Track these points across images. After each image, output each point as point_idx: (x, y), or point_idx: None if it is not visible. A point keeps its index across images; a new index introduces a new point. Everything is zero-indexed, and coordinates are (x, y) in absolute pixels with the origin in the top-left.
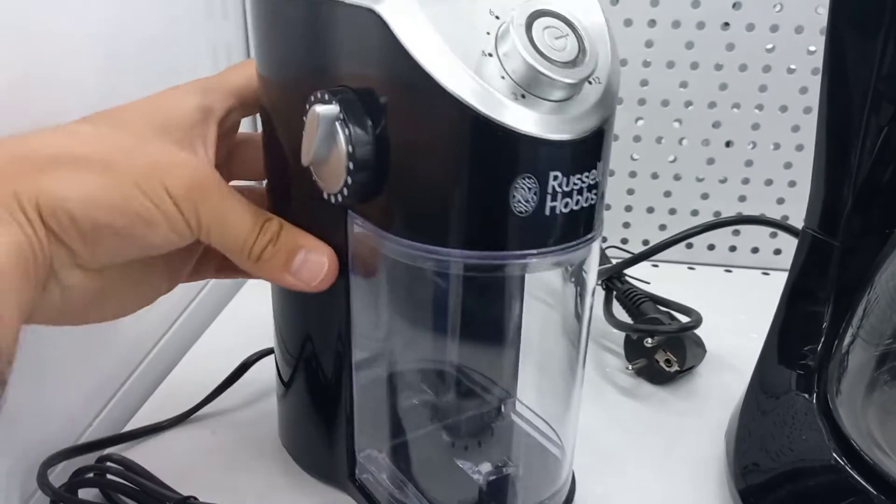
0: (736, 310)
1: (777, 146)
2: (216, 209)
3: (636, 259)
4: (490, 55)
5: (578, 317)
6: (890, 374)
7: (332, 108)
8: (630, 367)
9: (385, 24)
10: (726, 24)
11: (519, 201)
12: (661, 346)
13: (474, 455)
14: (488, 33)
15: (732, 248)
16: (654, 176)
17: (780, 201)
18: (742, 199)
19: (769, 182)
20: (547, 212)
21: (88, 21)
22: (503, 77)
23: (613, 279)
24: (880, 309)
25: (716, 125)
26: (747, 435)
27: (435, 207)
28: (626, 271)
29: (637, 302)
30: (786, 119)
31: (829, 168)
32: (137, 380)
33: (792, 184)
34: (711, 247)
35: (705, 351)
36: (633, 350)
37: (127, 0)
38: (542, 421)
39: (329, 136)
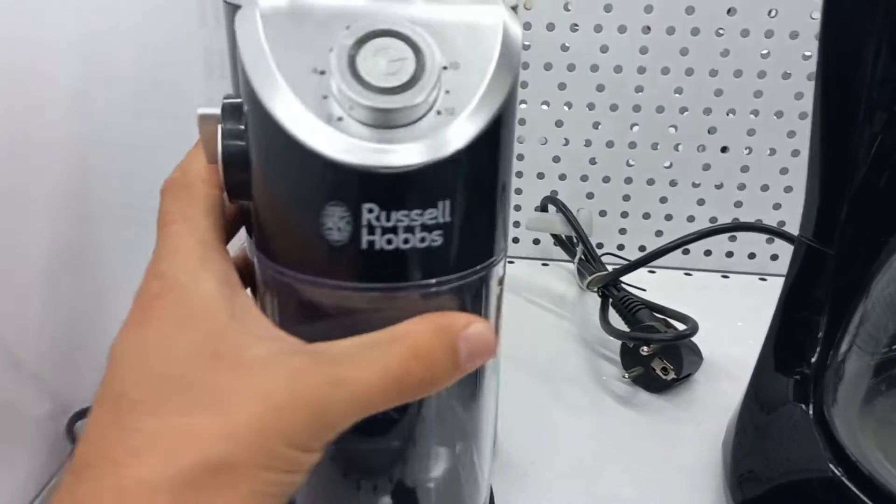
0: (733, 316)
1: (773, 151)
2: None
3: (632, 266)
4: (322, 73)
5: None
6: (887, 383)
7: (214, 110)
8: (626, 375)
9: (237, 26)
10: (720, 30)
11: (330, 229)
12: (657, 354)
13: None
14: (331, 50)
15: (729, 254)
16: (650, 182)
17: (777, 206)
18: (738, 204)
19: (765, 188)
20: (364, 245)
21: (76, 29)
22: (325, 97)
23: (609, 286)
24: (876, 317)
25: (711, 131)
26: (744, 445)
27: (265, 223)
28: (622, 278)
29: (633, 309)
30: (781, 124)
31: (824, 176)
32: None
33: (788, 189)
34: (708, 252)
35: (702, 358)
36: (629, 358)
37: (117, 7)
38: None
39: (211, 137)
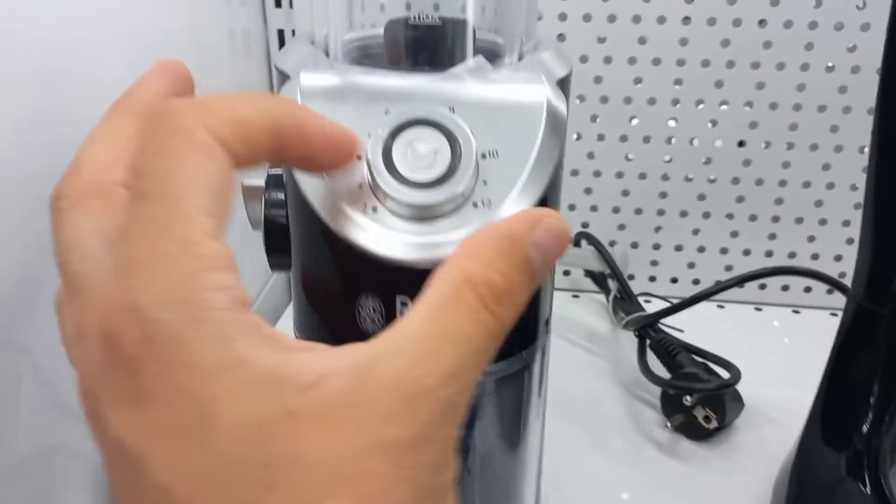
0: (769, 353)
1: (807, 184)
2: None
3: (672, 310)
4: (358, 157)
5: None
6: None
7: (259, 182)
8: (669, 424)
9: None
10: (756, 63)
11: (365, 319)
12: (699, 402)
13: None
14: (368, 136)
15: (762, 286)
16: (683, 214)
17: (811, 238)
18: (772, 237)
19: (799, 220)
20: None
21: (111, 16)
22: (360, 186)
23: (647, 327)
24: None
25: (746, 163)
26: None
27: (302, 302)
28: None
29: (672, 352)
30: (816, 157)
31: (877, 231)
32: None
33: (822, 222)
34: (740, 284)
35: (743, 405)
36: (670, 405)
37: None
38: None
39: (255, 206)
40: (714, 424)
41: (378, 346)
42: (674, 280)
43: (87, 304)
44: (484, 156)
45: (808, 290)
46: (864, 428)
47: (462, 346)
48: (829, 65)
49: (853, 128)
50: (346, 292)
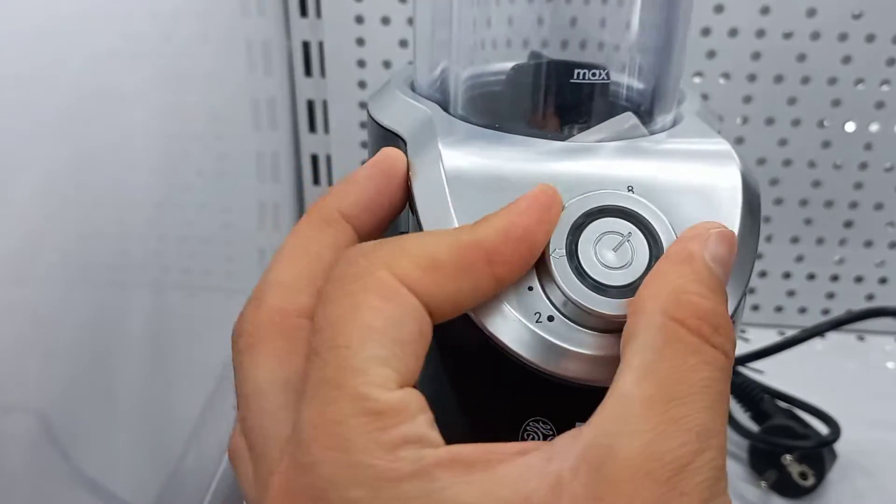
0: (844, 388)
1: (879, 206)
2: None
3: (758, 355)
4: None
5: None
6: None
7: None
8: (763, 484)
9: (415, 187)
10: (834, 78)
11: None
12: (795, 458)
13: None
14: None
15: (825, 311)
16: None
17: (880, 264)
18: (847, 223)
19: (879, 206)
20: None
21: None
22: (531, 288)
23: None
24: None
25: (815, 184)
26: None
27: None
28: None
29: (756, 399)
30: (891, 178)
31: None
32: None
33: (892, 245)
34: (803, 310)
35: (836, 456)
36: (761, 460)
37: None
38: None
39: None
40: (812, 482)
41: (598, 429)
42: None
43: (266, 475)
44: None
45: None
46: None
47: (701, 398)
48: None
49: None
50: (510, 417)
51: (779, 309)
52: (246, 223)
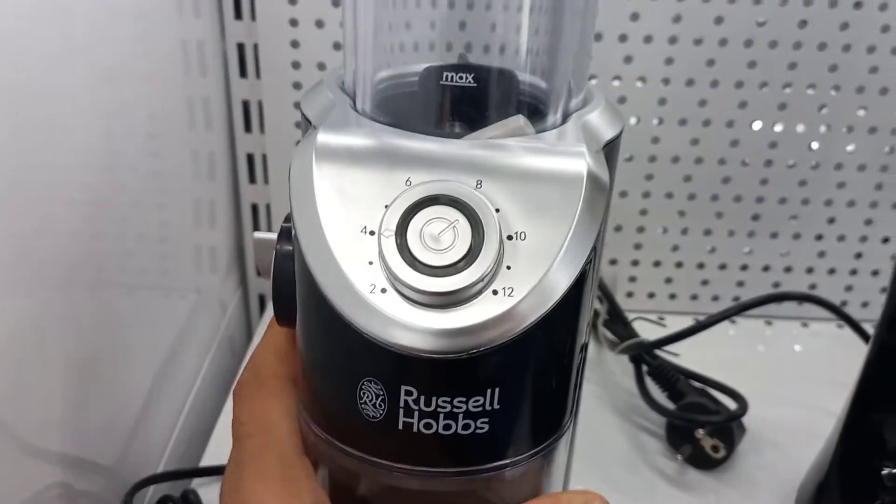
0: (754, 369)
1: (783, 200)
2: None
3: (671, 339)
4: (371, 233)
5: None
6: None
7: (271, 235)
8: (679, 457)
9: (293, 160)
10: (741, 82)
11: (365, 404)
12: (707, 432)
13: None
14: (386, 207)
15: (736, 298)
16: (664, 230)
17: (785, 254)
18: (749, 253)
19: (774, 235)
20: (400, 426)
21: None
22: (371, 262)
23: (643, 354)
24: None
25: (725, 181)
26: None
27: (305, 378)
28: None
29: (672, 379)
30: (793, 173)
31: None
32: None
33: (797, 236)
34: (716, 298)
35: (745, 430)
36: (677, 435)
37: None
38: None
39: (266, 259)
40: (722, 454)
41: None
42: (651, 295)
43: None
44: (510, 237)
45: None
46: (891, 474)
47: None
48: (811, 82)
49: (831, 142)
50: (347, 374)
51: (694, 297)
52: (182, 220)
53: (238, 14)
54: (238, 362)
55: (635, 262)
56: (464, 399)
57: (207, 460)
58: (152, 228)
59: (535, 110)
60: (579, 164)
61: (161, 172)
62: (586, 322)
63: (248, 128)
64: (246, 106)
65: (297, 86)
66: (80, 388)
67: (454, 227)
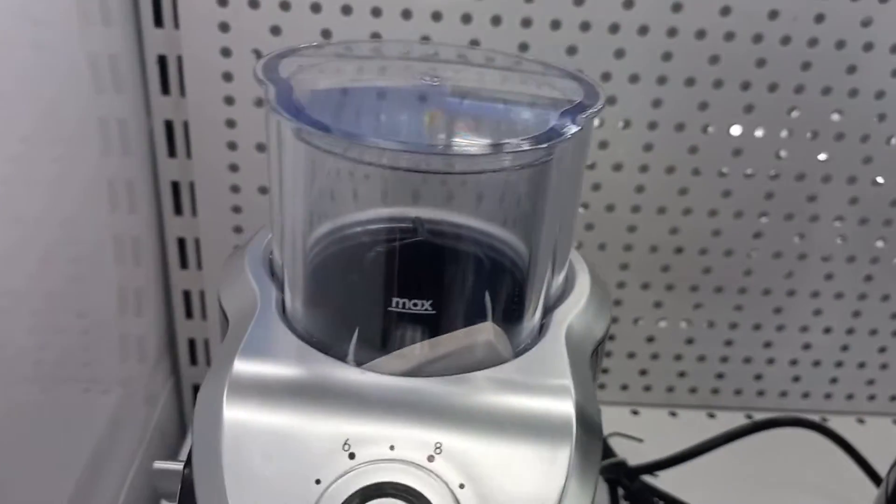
0: (750, 488)
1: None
2: None
3: (655, 467)
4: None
5: None
6: None
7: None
8: None
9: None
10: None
11: None
12: None
13: None
14: (317, 481)
15: (715, 391)
16: (636, 321)
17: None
18: (728, 343)
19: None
20: None
21: None
22: None
23: (621, 477)
24: None
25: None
26: None
27: None
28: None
29: None
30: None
31: None
32: None
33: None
34: (693, 390)
35: None
36: None
37: None
38: None
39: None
40: None
41: None
42: (624, 387)
43: None
44: (462, 486)
45: (761, 393)
46: None
47: None
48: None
49: (817, 234)
50: None
51: (671, 390)
52: (105, 308)
53: (165, 90)
54: (172, 457)
55: (608, 354)
56: None
57: None
58: (70, 319)
59: (510, 305)
60: (565, 408)
61: (72, 200)
62: None
63: (178, 210)
64: (176, 186)
65: (233, 167)
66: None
67: None
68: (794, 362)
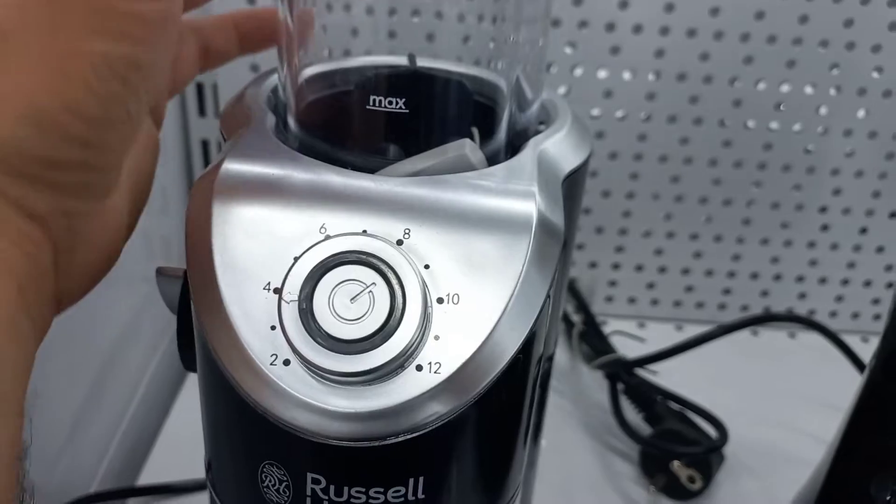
0: (736, 387)
1: (776, 206)
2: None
3: (650, 359)
4: (276, 291)
5: None
6: None
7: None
8: (652, 487)
9: (191, 196)
10: (735, 79)
11: (268, 487)
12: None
13: None
14: (294, 260)
15: (722, 306)
16: (646, 234)
17: (775, 260)
18: (735, 258)
19: (765, 241)
20: None
21: None
22: (273, 328)
23: (619, 372)
24: None
25: (716, 182)
26: None
27: (209, 445)
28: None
29: (649, 401)
30: (787, 178)
31: None
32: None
33: (788, 244)
34: (700, 305)
35: (724, 458)
36: (651, 463)
37: None
38: None
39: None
40: (699, 485)
41: None
42: (631, 300)
43: None
44: (441, 300)
45: (767, 310)
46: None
47: None
48: (809, 90)
49: (826, 147)
50: (246, 454)
51: (678, 304)
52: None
53: None
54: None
55: (616, 266)
56: (381, 489)
57: (146, 478)
58: None
59: (484, 126)
60: (527, 207)
61: None
62: (534, 391)
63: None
64: (205, 144)
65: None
66: None
67: (370, 291)
68: (800, 279)
